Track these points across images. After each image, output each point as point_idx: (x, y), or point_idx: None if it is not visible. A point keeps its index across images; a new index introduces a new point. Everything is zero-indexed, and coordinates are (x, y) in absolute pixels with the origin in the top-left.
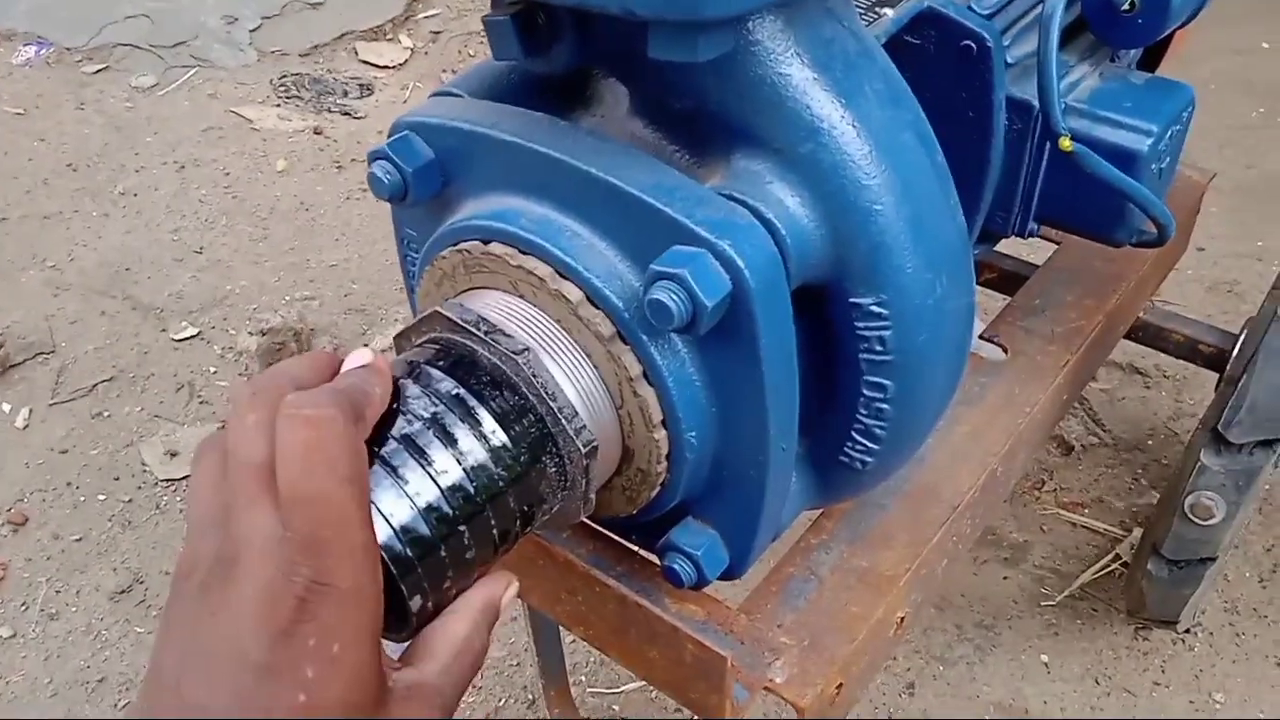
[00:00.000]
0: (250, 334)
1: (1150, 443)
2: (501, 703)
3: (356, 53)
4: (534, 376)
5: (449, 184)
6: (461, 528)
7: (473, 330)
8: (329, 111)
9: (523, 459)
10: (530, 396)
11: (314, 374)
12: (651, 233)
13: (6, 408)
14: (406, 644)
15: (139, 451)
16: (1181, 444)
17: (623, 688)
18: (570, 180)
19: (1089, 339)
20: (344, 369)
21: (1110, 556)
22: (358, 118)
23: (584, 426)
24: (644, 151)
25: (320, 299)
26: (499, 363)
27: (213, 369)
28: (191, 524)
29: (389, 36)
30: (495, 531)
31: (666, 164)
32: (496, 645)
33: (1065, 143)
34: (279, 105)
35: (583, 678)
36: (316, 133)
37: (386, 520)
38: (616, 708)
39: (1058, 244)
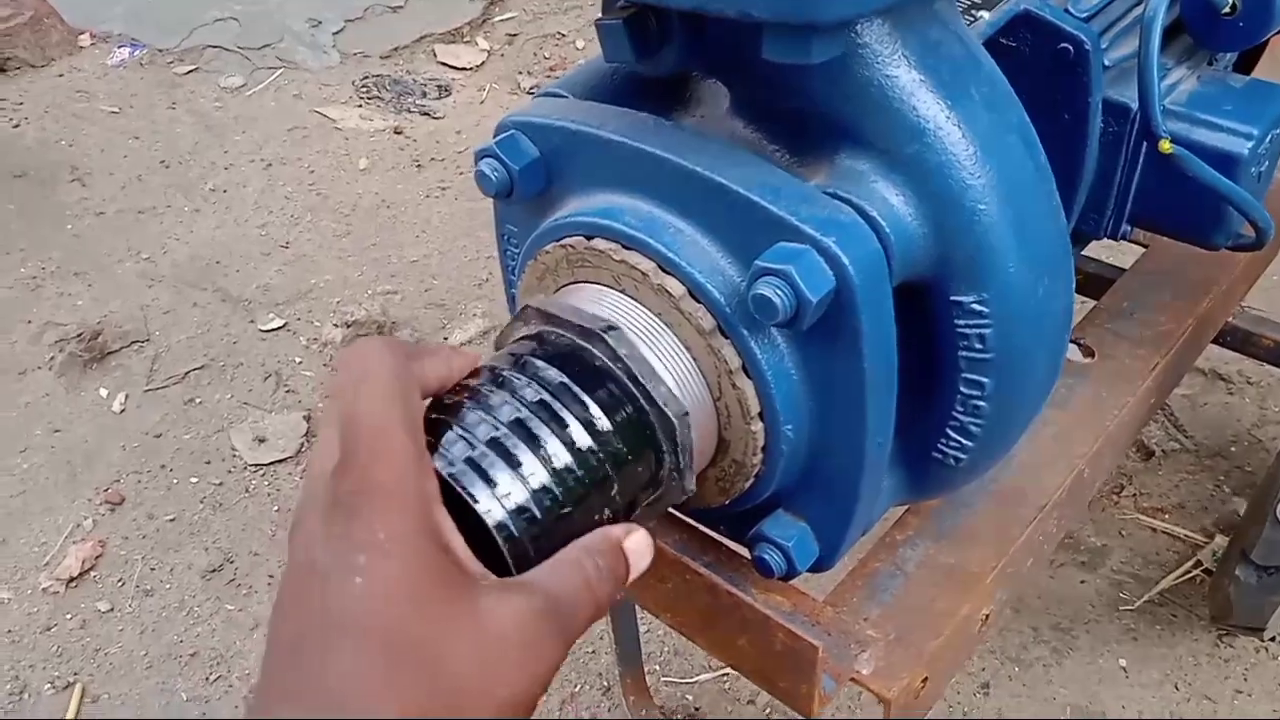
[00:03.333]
0: (335, 326)
1: (1233, 449)
2: (577, 688)
3: (435, 55)
4: (624, 356)
5: (553, 182)
6: (569, 510)
7: (567, 319)
8: (408, 112)
9: (624, 443)
10: (623, 377)
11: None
12: (756, 229)
13: (104, 393)
14: None
15: (229, 437)
16: (1266, 451)
17: (697, 678)
18: (674, 178)
19: (1178, 343)
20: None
21: (1191, 563)
22: (436, 118)
23: (672, 396)
24: (747, 150)
25: (402, 293)
26: (589, 345)
27: (298, 359)
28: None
29: (466, 39)
30: (600, 517)
31: (769, 163)
32: None
33: (1165, 145)
34: (360, 106)
35: (657, 667)
36: (397, 132)
37: (501, 502)
38: (690, 698)
39: (1145, 247)
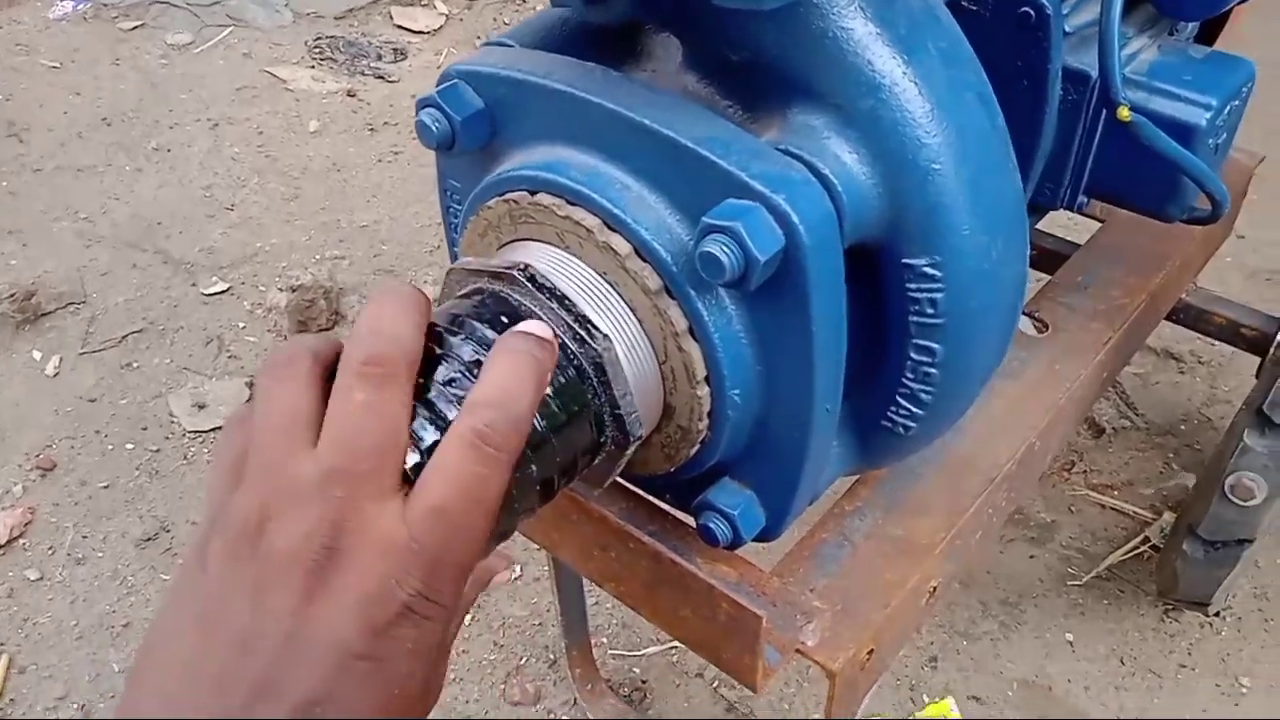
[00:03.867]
0: (280, 290)
1: (1183, 427)
2: (523, 661)
3: (391, 17)
4: (545, 287)
5: (497, 134)
6: None
7: (513, 275)
8: (362, 74)
9: (564, 406)
10: (567, 340)
11: (420, 335)
12: (705, 186)
13: (37, 355)
14: None
15: (167, 403)
16: (1215, 429)
17: (644, 651)
18: (622, 131)
19: (1132, 317)
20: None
21: (1139, 539)
22: (391, 81)
23: (599, 330)
24: (699, 105)
25: (350, 259)
26: (533, 306)
27: (242, 324)
28: (266, 472)
29: (424, 2)
30: (539, 481)
31: (720, 118)
32: (519, 605)
33: (1124, 112)
34: (313, 67)
35: (604, 639)
36: (350, 95)
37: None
38: (637, 670)
39: (1101, 222)
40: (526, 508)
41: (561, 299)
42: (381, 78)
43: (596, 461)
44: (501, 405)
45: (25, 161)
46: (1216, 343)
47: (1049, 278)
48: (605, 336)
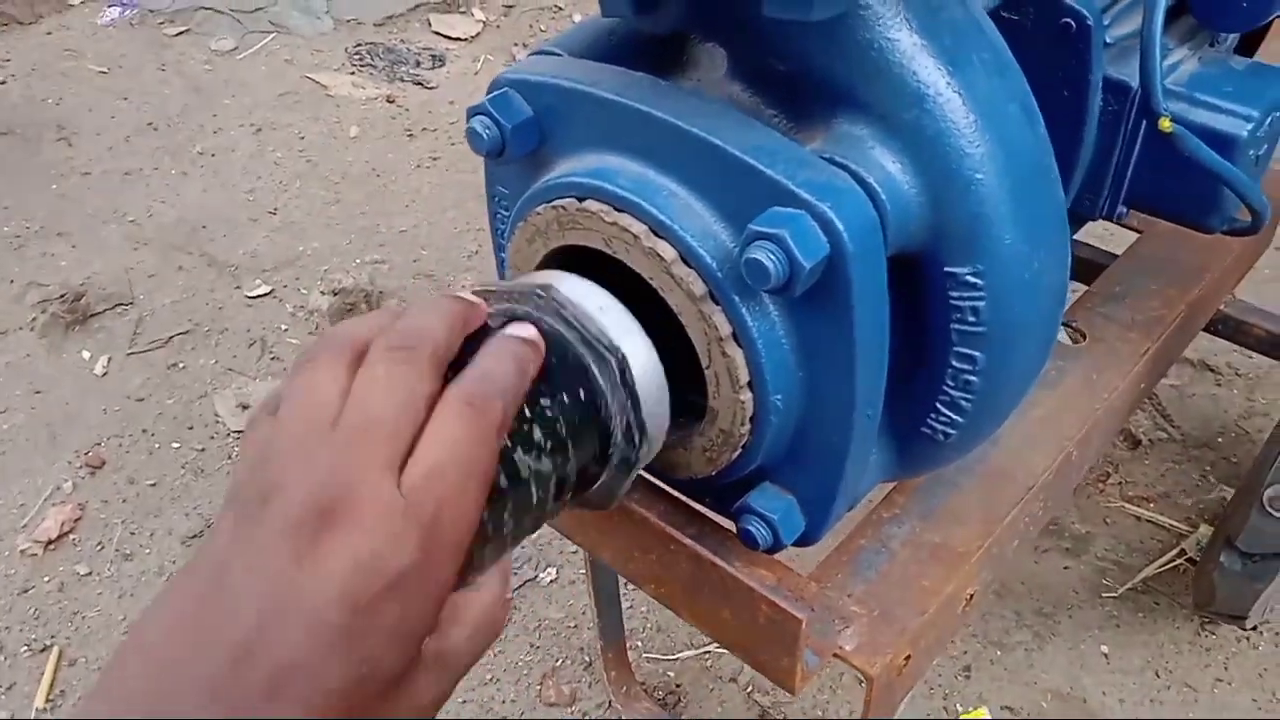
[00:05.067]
0: (322, 293)
1: (1220, 440)
2: (559, 663)
3: (429, 24)
4: (562, 309)
5: (546, 141)
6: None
7: (504, 290)
8: (401, 81)
9: (568, 428)
10: (564, 332)
11: (451, 334)
12: (750, 193)
13: (86, 355)
14: None
15: (212, 403)
16: (1252, 442)
17: (678, 655)
18: (669, 139)
19: (1170, 328)
20: (507, 337)
21: (1175, 551)
22: (429, 88)
23: (615, 347)
24: (744, 113)
25: (390, 263)
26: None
27: (284, 326)
28: (284, 446)
29: (462, 9)
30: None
31: (766, 127)
32: (555, 607)
33: (1165, 124)
34: (353, 73)
35: (639, 643)
36: (389, 101)
37: None
38: (671, 674)
39: (1139, 232)
40: (532, 523)
41: (575, 319)
42: (420, 84)
43: (599, 484)
44: (486, 378)
45: (74, 165)
46: (1254, 355)
47: (1085, 288)
48: (621, 356)
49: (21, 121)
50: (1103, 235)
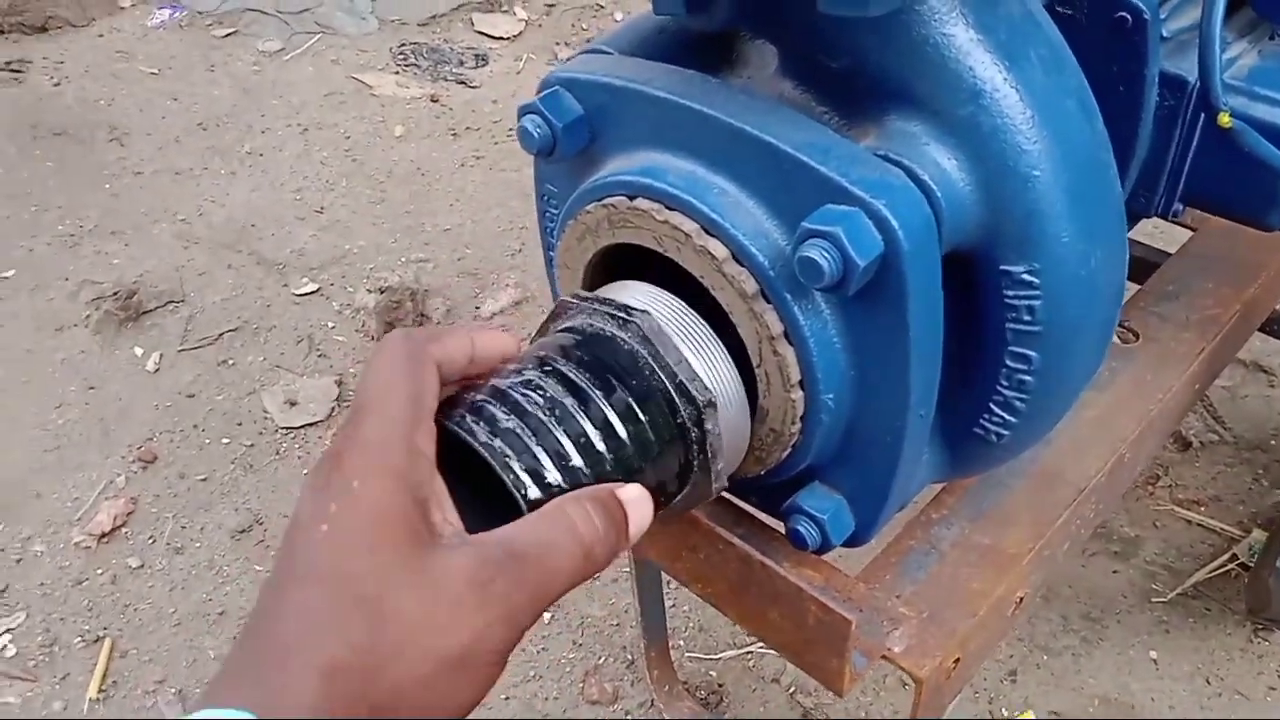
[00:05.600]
0: (368, 291)
1: (1273, 443)
2: (601, 661)
3: (472, 23)
4: (653, 340)
5: (596, 140)
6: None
7: (601, 308)
8: (445, 80)
9: (653, 435)
10: (652, 364)
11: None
12: (803, 191)
13: (139, 352)
14: None
15: (261, 399)
16: None
17: (721, 655)
18: (721, 137)
19: (1225, 328)
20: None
21: (1227, 556)
22: (472, 87)
23: (710, 402)
24: (796, 110)
25: (434, 261)
26: (627, 343)
27: (331, 324)
28: None
29: (504, 8)
30: None
31: (818, 124)
32: (598, 605)
33: (1224, 119)
34: (397, 73)
35: (681, 642)
36: (433, 100)
37: (529, 474)
38: (714, 674)
39: (1193, 230)
40: None
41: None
42: (463, 83)
43: (686, 491)
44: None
45: (126, 165)
46: None
47: (1138, 286)
48: (708, 391)
49: (75, 123)
50: (1151, 233)
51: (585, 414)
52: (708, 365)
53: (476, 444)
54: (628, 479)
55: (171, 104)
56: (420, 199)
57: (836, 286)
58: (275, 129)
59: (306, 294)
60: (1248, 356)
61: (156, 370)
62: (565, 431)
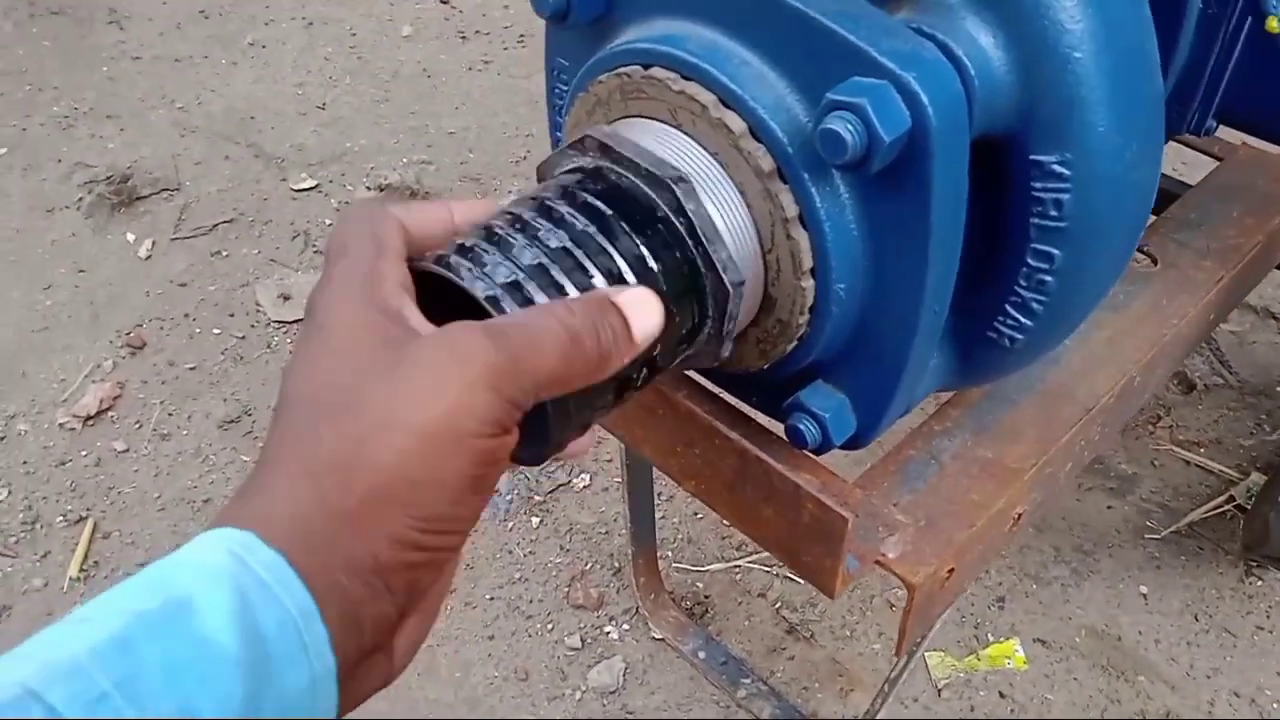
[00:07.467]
0: (368, 190)
1: (1278, 388)
2: (588, 567)
3: None
4: (691, 211)
5: (613, 8)
6: None
7: (633, 159)
8: None
9: (670, 290)
10: (684, 234)
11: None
12: (830, 62)
13: (131, 238)
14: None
15: (254, 292)
16: None
17: (708, 567)
18: (745, 4)
19: (1246, 258)
20: None
21: (1224, 497)
22: None
23: (732, 262)
24: None
25: (437, 164)
26: (653, 193)
27: (328, 221)
28: None
29: None
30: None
31: None
32: (587, 513)
33: (1273, 23)
34: None
35: (669, 553)
36: (443, 2)
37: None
38: (700, 585)
39: (1219, 160)
40: (602, 405)
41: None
42: None
43: (693, 351)
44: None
45: (125, 49)
46: None
47: (1158, 216)
48: (735, 267)
49: (73, 2)
50: (1177, 165)
51: (600, 262)
52: (734, 235)
53: (450, 273)
54: None
55: None
56: (425, 100)
57: (859, 164)
58: (279, 21)
59: (305, 189)
60: (1258, 302)
61: (148, 257)
62: (560, 268)
